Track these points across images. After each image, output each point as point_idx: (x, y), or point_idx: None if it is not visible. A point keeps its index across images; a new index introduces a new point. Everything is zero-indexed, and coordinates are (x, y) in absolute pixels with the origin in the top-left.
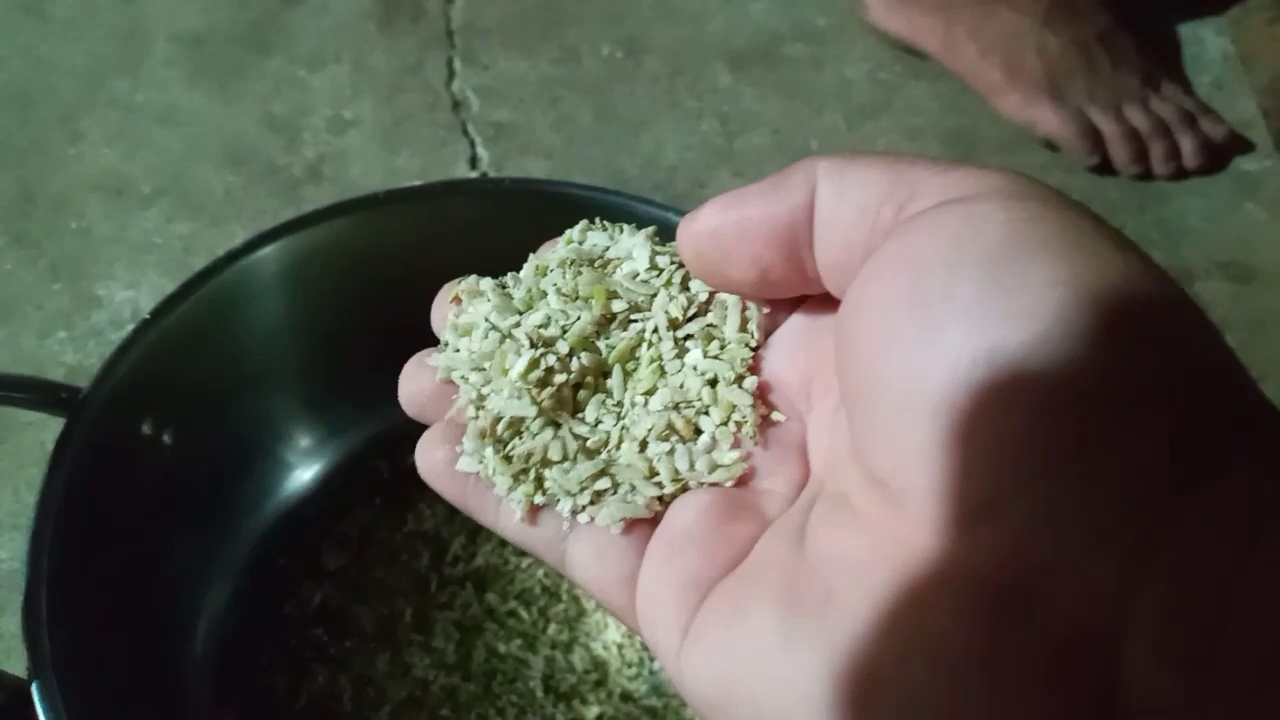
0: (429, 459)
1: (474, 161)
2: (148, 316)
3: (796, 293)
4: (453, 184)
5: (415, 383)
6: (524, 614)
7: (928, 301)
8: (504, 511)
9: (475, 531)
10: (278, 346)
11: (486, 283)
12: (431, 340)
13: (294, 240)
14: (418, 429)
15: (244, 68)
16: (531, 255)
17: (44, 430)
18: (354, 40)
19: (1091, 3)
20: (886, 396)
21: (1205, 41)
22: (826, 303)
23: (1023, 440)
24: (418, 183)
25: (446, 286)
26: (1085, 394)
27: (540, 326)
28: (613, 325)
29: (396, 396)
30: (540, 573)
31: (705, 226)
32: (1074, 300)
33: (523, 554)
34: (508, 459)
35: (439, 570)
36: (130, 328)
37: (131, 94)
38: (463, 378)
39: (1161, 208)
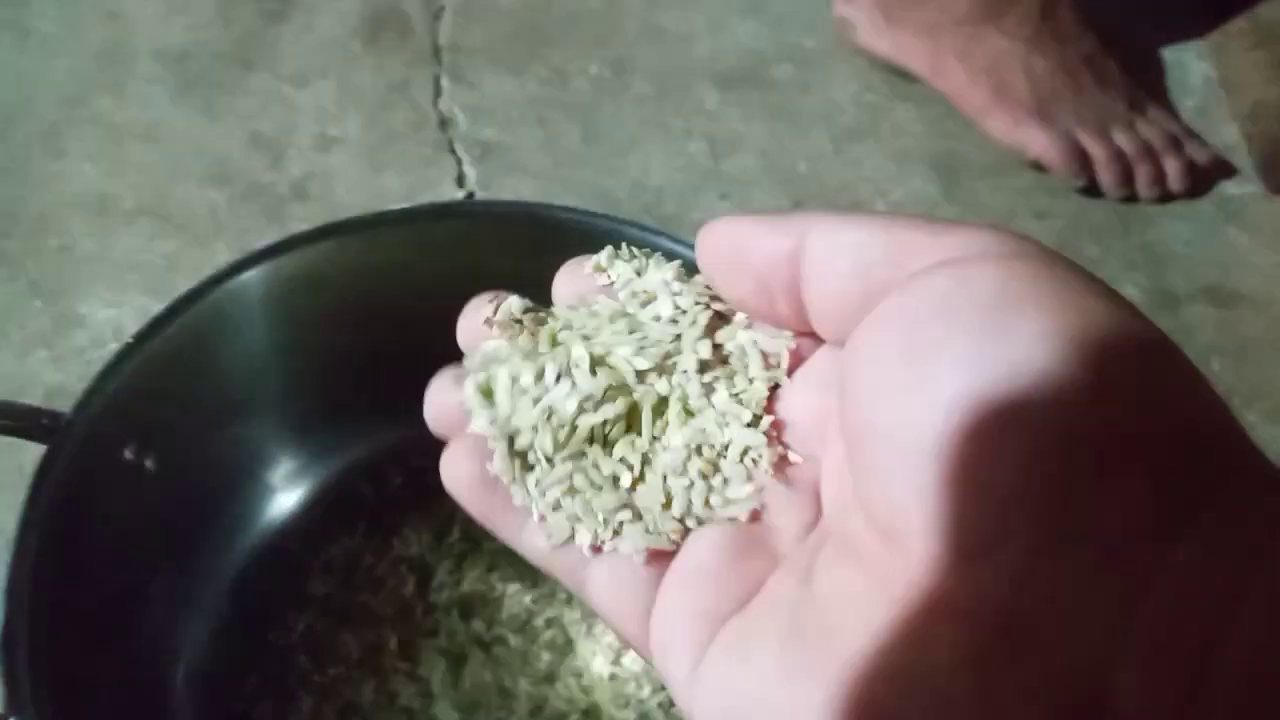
0: (454, 472)
1: (461, 180)
2: (131, 340)
3: (806, 329)
4: (441, 207)
5: (442, 398)
6: (512, 642)
7: (921, 351)
8: (528, 533)
9: (461, 557)
10: (262, 370)
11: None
12: (420, 363)
13: (280, 263)
14: (402, 454)
15: (228, 85)
16: (557, 287)
17: (21, 453)
18: (340, 58)
19: (1078, 27)
20: (883, 442)
21: (1188, 66)
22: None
23: (1014, 484)
24: (405, 203)
25: (475, 301)
26: (1074, 440)
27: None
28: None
29: (382, 420)
30: (528, 599)
31: (718, 243)
32: (1063, 351)
33: (509, 582)
34: (534, 484)
35: (425, 597)
36: (112, 347)
37: (114, 111)
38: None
39: (1146, 231)
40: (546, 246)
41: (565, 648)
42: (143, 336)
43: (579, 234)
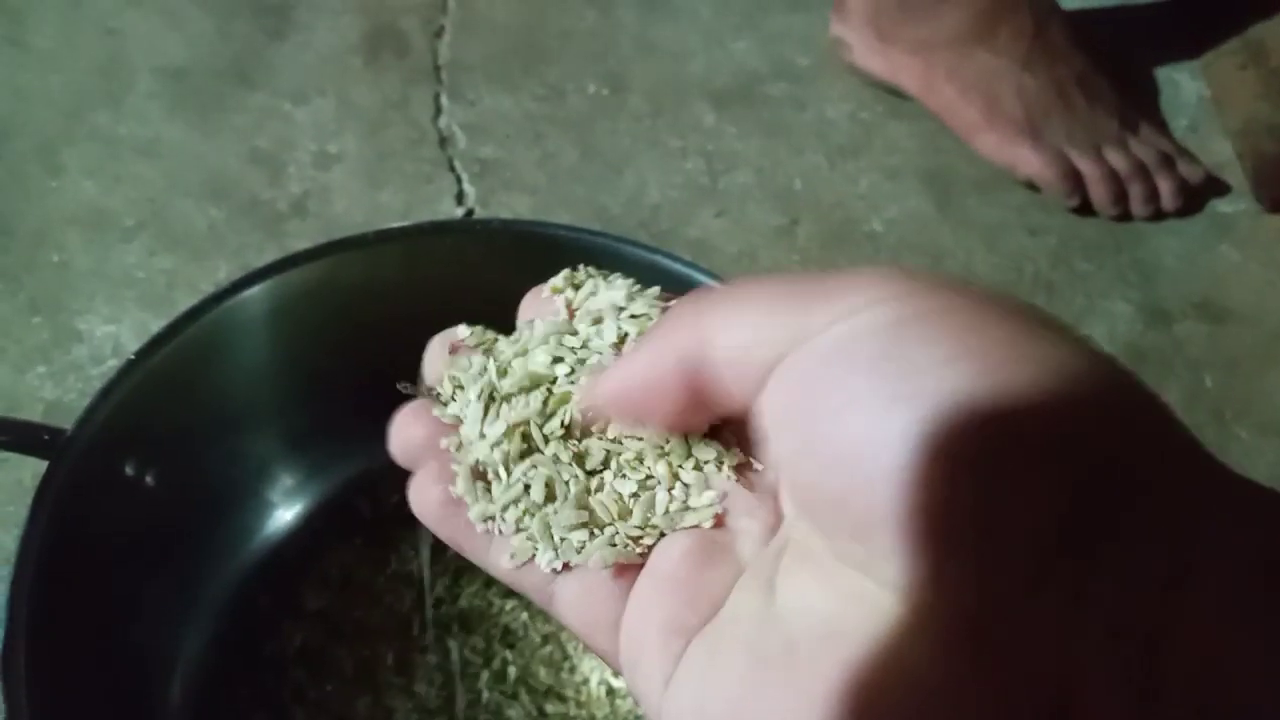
0: (422, 498)
1: (460, 198)
2: (132, 357)
3: (724, 415)
4: (440, 224)
5: (406, 432)
6: (508, 658)
7: (832, 408)
8: (494, 552)
9: (459, 573)
10: (262, 386)
11: (475, 361)
12: (418, 380)
13: (280, 281)
14: (400, 469)
15: (227, 101)
16: (521, 313)
17: (21, 468)
18: (339, 75)
19: (1069, 45)
20: (824, 491)
21: (1180, 85)
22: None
23: (949, 505)
24: (403, 220)
25: (436, 340)
26: (992, 454)
27: (518, 423)
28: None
29: (380, 437)
30: (524, 616)
31: (610, 396)
32: (969, 372)
33: (507, 597)
34: (493, 501)
35: (421, 612)
36: (111, 363)
37: (113, 126)
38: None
39: (1138, 248)
40: (544, 263)
41: (563, 664)
42: (143, 353)
43: (576, 251)
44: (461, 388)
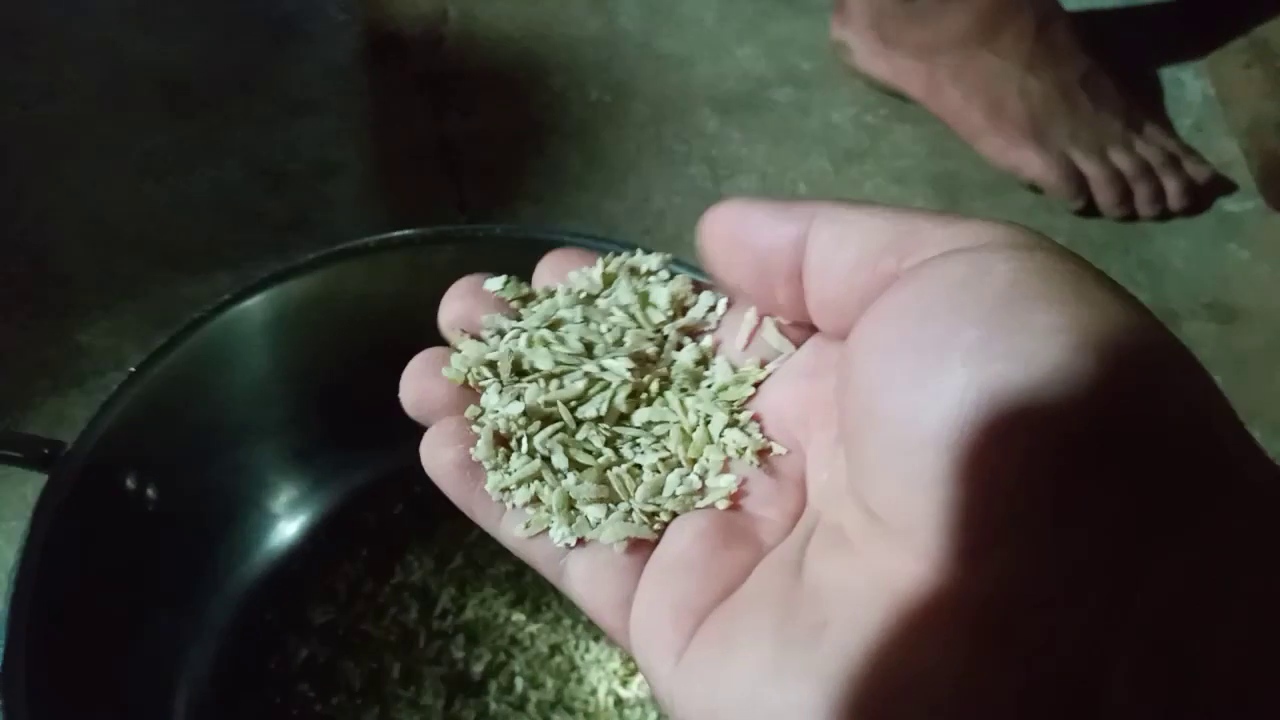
0: (436, 458)
1: (462, 206)
2: (133, 370)
3: (802, 319)
4: (442, 232)
5: (421, 384)
6: (515, 669)
7: (932, 342)
8: (506, 521)
9: (464, 583)
10: (264, 398)
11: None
12: None
13: (282, 290)
14: (404, 481)
15: (229, 113)
16: (537, 278)
17: (24, 483)
18: (341, 85)
19: (1073, 46)
20: (887, 433)
21: (1185, 84)
22: (830, 338)
23: (1017, 480)
24: (406, 229)
25: (455, 288)
26: (1079, 437)
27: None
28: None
29: (384, 447)
30: (532, 626)
31: (722, 224)
32: (1074, 347)
33: (513, 607)
34: (510, 471)
35: (427, 624)
36: (113, 375)
37: (115, 138)
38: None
39: (1146, 248)
40: None
41: (570, 674)
42: (144, 366)
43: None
44: (489, 365)
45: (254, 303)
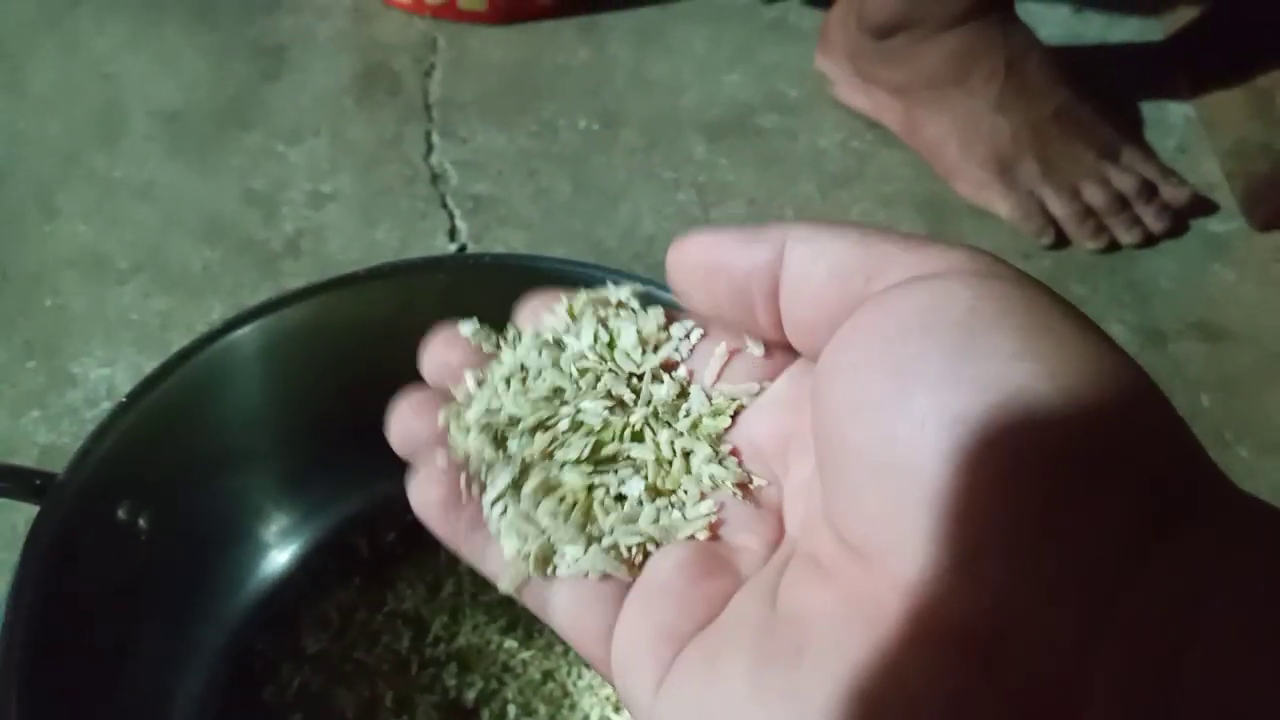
0: (423, 495)
1: (453, 234)
2: (124, 399)
3: (781, 340)
4: (434, 260)
5: (408, 424)
6: (508, 696)
7: (898, 368)
8: (490, 555)
9: (457, 610)
10: (256, 426)
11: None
12: None
13: (274, 319)
14: (396, 508)
15: (222, 142)
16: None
17: (15, 513)
18: (332, 114)
19: (1047, 81)
20: (858, 459)
21: (1168, 106)
22: (810, 367)
23: (990, 502)
24: (397, 257)
25: (433, 337)
26: (1049, 458)
27: (532, 425)
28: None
29: (376, 474)
30: (525, 653)
31: (693, 254)
32: (1033, 373)
33: (506, 633)
34: (496, 509)
35: (420, 651)
36: (106, 406)
37: (109, 169)
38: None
39: (1132, 270)
40: None
41: (563, 700)
42: (136, 395)
43: (570, 284)
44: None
45: (246, 332)
